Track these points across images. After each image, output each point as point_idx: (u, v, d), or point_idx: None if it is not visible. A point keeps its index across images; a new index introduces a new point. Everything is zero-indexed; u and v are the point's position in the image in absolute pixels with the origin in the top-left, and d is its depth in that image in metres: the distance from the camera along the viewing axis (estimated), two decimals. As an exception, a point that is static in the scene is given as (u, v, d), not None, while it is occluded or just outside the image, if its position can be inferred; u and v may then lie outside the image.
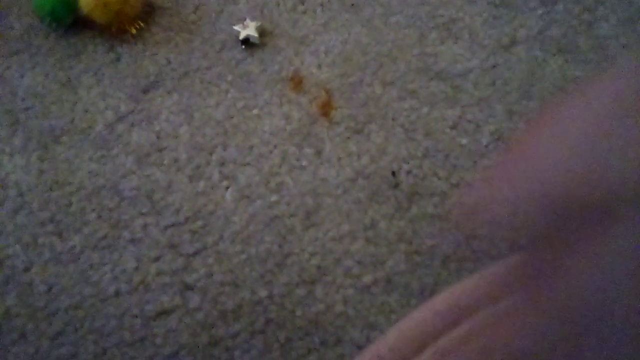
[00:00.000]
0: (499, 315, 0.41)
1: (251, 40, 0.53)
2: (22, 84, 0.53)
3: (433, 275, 0.44)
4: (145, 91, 0.52)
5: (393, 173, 0.48)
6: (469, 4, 0.55)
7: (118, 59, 0.54)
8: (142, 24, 0.55)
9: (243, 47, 0.54)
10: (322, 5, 0.56)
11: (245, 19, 0.54)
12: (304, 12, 0.56)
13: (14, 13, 0.56)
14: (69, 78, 0.53)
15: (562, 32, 0.53)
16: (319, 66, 0.53)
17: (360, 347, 0.43)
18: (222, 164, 0.49)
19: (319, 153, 0.49)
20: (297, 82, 0.52)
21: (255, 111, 0.51)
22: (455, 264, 0.45)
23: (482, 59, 0.53)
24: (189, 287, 0.45)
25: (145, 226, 0.47)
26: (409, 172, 0.48)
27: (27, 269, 0.46)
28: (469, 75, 0.52)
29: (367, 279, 0.45)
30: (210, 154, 0.50)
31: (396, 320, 0.43)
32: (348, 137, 0.50)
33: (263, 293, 0.45)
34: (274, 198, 0.48)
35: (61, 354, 0.43)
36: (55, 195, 0.49)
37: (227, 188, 0.48)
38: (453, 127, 0.50)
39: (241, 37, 0.53)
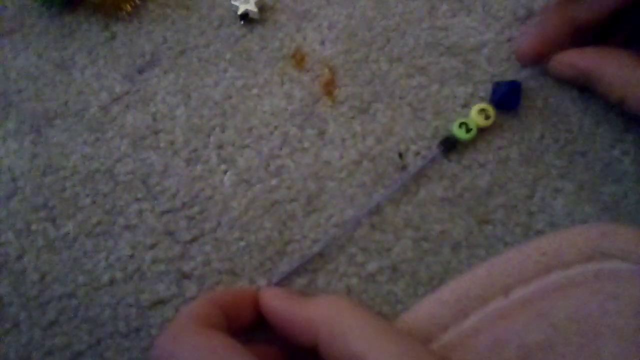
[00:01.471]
0: (511, 306, 0.38)
1: (251, 15, 0.51)
2: (15, 65, 0.51)
3: (442, 263, 0.42)
4: (141, 71, 0.50)
5: (400, 155, 0.45)
6: (482, -27, 0.52)
7: (113, 38, 0.52)
8: (137, 1, 0.52)
9: (242, 22, 0.51)
10: (326, -23, 0.53)
11: (244, -6, 0.52)
12: (307, -15, 0.53)
13: (7, -9, 0.54)
14: (63, 58, 0.51)
15: (583, 1, 0.50)
16: (322, 42, 0.50)
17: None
18: (220, 146, 0.47)
19: (321, 134, 0.47)
20: (299, 60, 0.49)
21: (255, 90, 0.49)
22: (466, 250, 0.42)
23: (497, 32, 0.50)
24: (185, 276, 0.43)
25: (140, 212, 0.45)
26: (417, 154, 0.45)
27: (20, 257, 0.45)
28: (482, 50, 0.49)
29: (371, 267, 0.42)
30: (208, 136, 0.47)
31: (402, 311, 0.41)
32: (352, 117, 0.47)
33: (262, 282, 0.42)
34: (274, 182, 0.45)
35: (54, 343, 0.42)
36: (49, 180, 0.47)
37: (226, 172, 0.46)
38: (465, 106, 0.47)
39: (240, 12, 0.51)
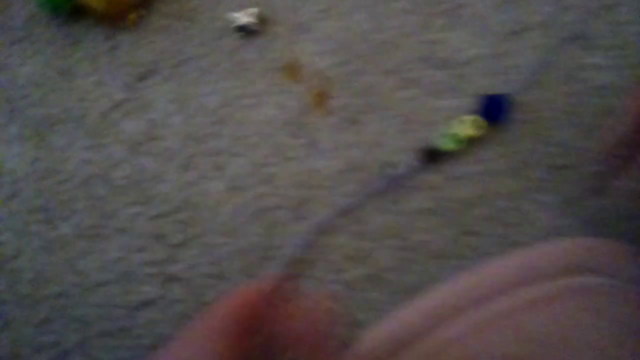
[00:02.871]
0: (489, 317, 0.38)
1: (249, 27, 0.52)
2: (21, 73, 0.53)
3: (424, 272, 0.42)
4: (141, 79, 0.52)
5: (388, 165, 0.46)
6: (479, -12, 0.52)
7: (116, 47, 0.53)
8: (140, 12, 0.54)
9: (241, 34, 0.52)
10: (325, -9, 0.54)
11: (244, 6, 0.53)
12: (304, -1, 0.54)
13: (17, 3, 0.56)
14: (68, 66, 0.53)
15: (577, 17, 0.50)
16: (318, 54, 0.51)
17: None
18: (214, 153, 0.48)
19: (312, 143, 0.47)
20: (294, 71, 0.50)
21: (249, 100, 0.50)
22: (446, 260, 0.42)
23: (489, 46, 0.50)
24: (173, 278, 0.44)
25: (133, 216, 0.46)
26: (404, 165, 0.46)
27: (16, 256, 0.46)
28: (475, 64, 0.49)
29: (353, 274, 0.43)
30: (202, 143, 0.49)
31: (382, 318, 0.41)
32: (343, 128, 0.48)
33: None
34: (263, 189, 0.46)
35: (44, 341, 0.43)
36: (48, 184, 0.48)
37: (217, 178, 0.47)
38: (455, 117, 0.47)
39: (239, 24, 0.52)
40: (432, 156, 0.45)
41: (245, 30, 0.53)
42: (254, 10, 0.53)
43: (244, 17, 0.52)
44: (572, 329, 0.37)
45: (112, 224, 0.46)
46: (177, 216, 0.46)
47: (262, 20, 0.53)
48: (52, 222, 0.47)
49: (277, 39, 0.53)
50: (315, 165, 0.47)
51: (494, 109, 0.46)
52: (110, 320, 0.43)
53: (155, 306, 0.43)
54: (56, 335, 0.43)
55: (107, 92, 0.51)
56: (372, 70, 0.50)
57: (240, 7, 0.54)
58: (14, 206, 0.48)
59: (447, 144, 0.45)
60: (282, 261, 0.43)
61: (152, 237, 0.45)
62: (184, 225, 0.46)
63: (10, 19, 0.56)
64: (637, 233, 0.41)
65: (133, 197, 0.47)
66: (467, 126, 0.45)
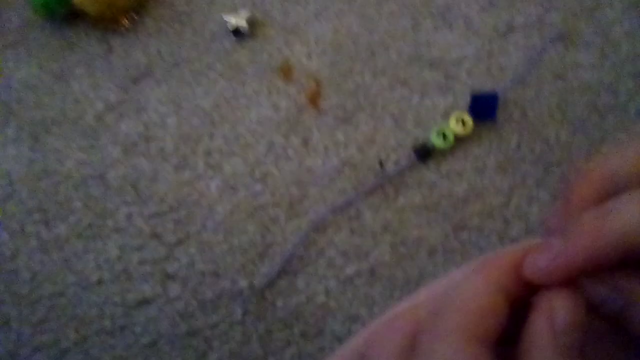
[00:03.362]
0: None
1: (241, 30, 0.53)
2: (17, 76, 0.54)
3: (418, 267, 0.43)
4: (135, 81, 0.52)
5: (380, 163, 0.47)
6: (466, -9, 0.54)
7: (110, 50, 0.54)
8: (134, 16, 0.55)
9: (233, 37, 0.53)
10: (316, -6, 0.55)
11: (236, 9, 0.54)
12: (296, 1, 0.55)
13: (13, 7, 0.57)
14: (62, 69, 0.54)
15: (563, 17, 0.51)
16: (309, 55, 0.52)
17: (340, 340, 0.42)
18: (208, 153, 0.49)
19: (305, 142, 0.48)
20: (286, 72, 0.51)
21: (243, 101, 0.51)
22: (442, 255, 0.43)
23: (478, 46, 0.51)
24: (170, 277, 0.45)
25: (129, 215, 0.47)
26: (396, 162, 0.47)
27: (13, 257, 0.46)
28: (463, 64, 0.51)
29: (350, 270, 0.44)
30: (197, 143, 0.49)
31: (378, 313, 0.42)
32: (336, 127, 0.49)
33: (244, 283, 0.44)
34: (258, 188, 0.47)
35: (43, 340, 0.44)
36: (44, 185, 0.49)
37: (212, 178, 0.48)
38: (444, 116, 0.48)
39: (231, 27, 0.53)
40: (424, 154, 0.46)
41: (237, 33, 0.53)
42: (246, 13, 0.54)
43: (235, 20, 0.53)
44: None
45: (109, 223, 0.47)
46: (173, 215, 0.47)
47: (254, 22, 0.54)
48: (48, 222, 0.47)
49: (269, 41, 0.54)
50: (309, 164, 0.47)
51: (483, 107, 0.47)
52: (108, 319, 0.44)
53: (154, 304, 0.44)
54: (55, 334, 0.44)
55: (102, 95, 0.52)
56: (363, 70, 0.51)
57: (232, 10, 0.54)
58: (10, 207, 0.48)
59: (438, 142, 0.46)
60: (279, 258, 0.44)
61: (149, 236, 0.46)
62: (180, 225, 0.46)
63: (4, 23, 0.56)
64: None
65: (129, 197, 0.48)
66: (457, 124, 0.46)
